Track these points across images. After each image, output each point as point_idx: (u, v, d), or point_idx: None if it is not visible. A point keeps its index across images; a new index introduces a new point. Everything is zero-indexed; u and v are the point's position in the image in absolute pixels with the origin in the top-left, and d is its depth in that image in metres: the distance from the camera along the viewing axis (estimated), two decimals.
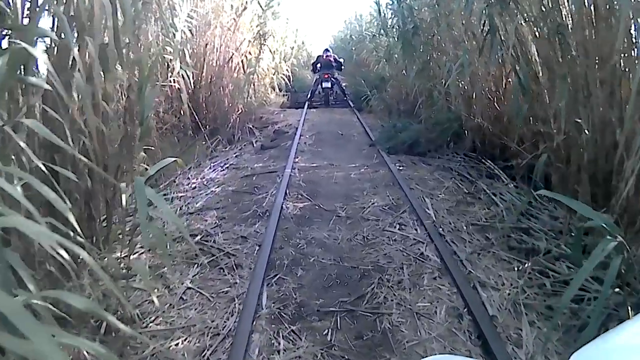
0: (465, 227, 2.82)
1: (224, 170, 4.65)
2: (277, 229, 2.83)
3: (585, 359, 0.59)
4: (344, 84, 10.39)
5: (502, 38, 3.30)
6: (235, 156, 5.36)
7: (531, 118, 3.33)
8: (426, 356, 1.41)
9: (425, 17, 5.40)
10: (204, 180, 4.37)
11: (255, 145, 5.95)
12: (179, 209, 3.37)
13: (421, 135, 4.83)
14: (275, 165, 4.63)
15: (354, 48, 12.46)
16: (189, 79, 5.52)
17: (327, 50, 9.75)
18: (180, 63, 5.31)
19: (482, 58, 3.85)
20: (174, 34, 4.96)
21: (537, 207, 2.95)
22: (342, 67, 9.71)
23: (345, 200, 3.43)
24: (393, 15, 6.06)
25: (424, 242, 2.62)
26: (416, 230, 2.82)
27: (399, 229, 2.84)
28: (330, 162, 4.64)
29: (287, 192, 3.62)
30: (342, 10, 38.70)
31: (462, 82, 4.52)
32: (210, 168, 4.83)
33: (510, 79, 3.91)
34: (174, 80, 4.93)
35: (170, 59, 4.96)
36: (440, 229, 2.78)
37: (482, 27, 3.60)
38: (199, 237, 2.76)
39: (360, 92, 8.08)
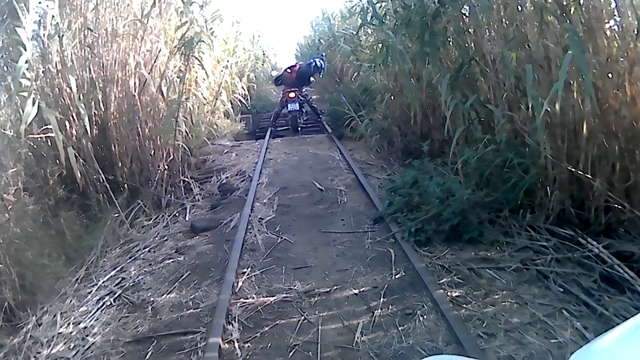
0: None
1: (111, 306, 2.44)
2: None
3: (585, 359, 0.58)
4: (314, 97, 8.02)
5: None
6: (149, 250, 3.15)
7: None
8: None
9: None
10: (73, 332, 2.25)
11: (188, 216, 3.77)
12: None
13: (467, 202, 2.72)
14: (200, 297, 2.44)
15: (324, 54, 10.25)
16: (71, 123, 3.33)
17: (293, 67, 7.20)
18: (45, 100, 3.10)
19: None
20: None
21: None
22: (320, 73, 7.31)
23: None
24: None
25: None
26: None
27: None
28: (307, 281, 2.47)
29: None
30: (307, 13, 35.79)
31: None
32: (100, 287, 2.68)
33: None
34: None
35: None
36: None
37: None
38: None
39: (338, 112, 5.95)
